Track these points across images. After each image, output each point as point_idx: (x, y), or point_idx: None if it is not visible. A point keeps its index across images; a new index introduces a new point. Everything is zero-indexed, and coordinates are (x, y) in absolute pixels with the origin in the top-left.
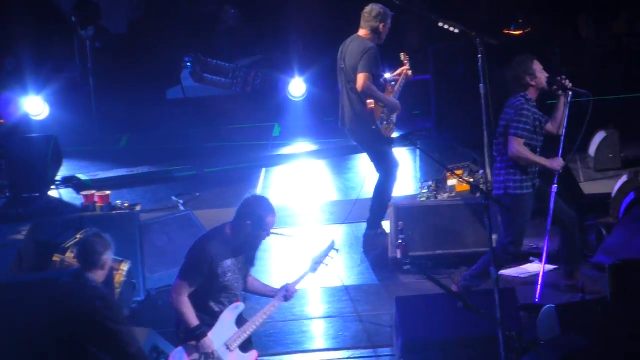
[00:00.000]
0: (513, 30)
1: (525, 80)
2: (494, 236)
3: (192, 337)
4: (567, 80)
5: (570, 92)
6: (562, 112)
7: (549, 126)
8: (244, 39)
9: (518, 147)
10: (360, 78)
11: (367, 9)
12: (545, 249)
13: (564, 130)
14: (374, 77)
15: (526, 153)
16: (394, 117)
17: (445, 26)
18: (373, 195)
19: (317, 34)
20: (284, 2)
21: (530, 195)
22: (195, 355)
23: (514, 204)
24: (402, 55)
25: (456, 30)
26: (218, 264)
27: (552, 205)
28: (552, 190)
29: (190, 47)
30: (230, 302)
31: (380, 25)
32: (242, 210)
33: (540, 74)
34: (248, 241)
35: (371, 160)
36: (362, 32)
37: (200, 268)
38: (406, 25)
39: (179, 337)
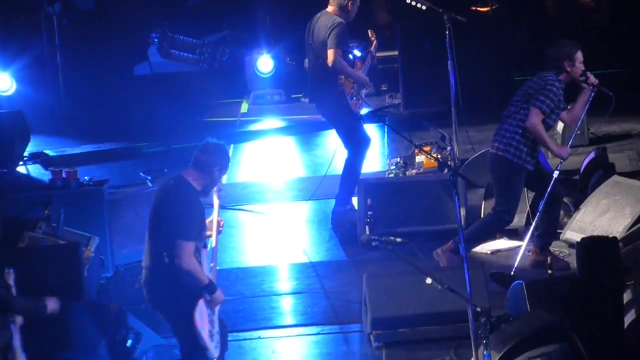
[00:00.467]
0: (480, 7)
1: (563, 64)
2: (462, 212)
3: (208, 292)
4: (594, 77)
5: (595, 89)
6: (581, 106)
7: (564, 115)
8: (212, 14)
9: (537, 120)
10: (331, 54)
11: None
12: (532, 228)
13: (579, 124)
14: (344, 53)
15: (542, 130)
16: (363, 93)
17: (413, 3)
18: (342, 172)
19: (285, 9)
20: None
21: (526, 172)
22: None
23: (510, 171)
24: (370, 32)
25: (424, 7)
26: None
27: (550, 189)
28: (554, 175)
29: (157, 23)
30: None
31: (349, 3)
32: (208, 158)
33: (579, 65)
34: (209, 189)
35: (340, 137)
36: (330, 8)
37: (202, 224)
38: (375, 2)
39: (191, 296)
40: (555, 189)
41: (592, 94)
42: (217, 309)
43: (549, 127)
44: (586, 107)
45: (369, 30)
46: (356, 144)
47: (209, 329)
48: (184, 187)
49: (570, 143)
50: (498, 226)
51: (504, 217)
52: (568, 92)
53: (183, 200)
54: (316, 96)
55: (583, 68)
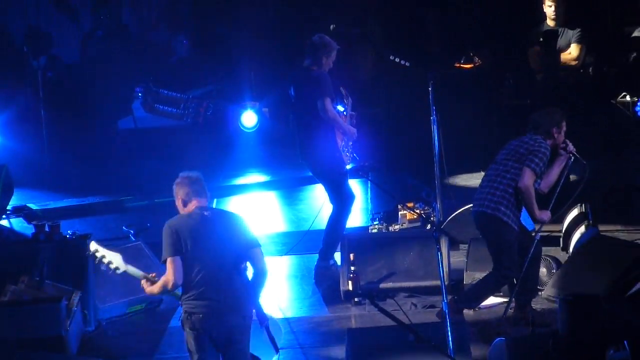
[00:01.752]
0: (463, 64)
1: (552, 130)
2: (445, 268)
3: None
4: (572, 146)
5: (572, 157)
6: (556, 172)
7: (541, 183)
8: (196, 69)
9: (531, 182)
10: (322, 103)
11: (312, 40)
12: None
13: (558, 189)
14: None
15: (533, 192)
16: (350, 144)
17: (397, 60)
18: (326, 227)
19: (269, 64)
20: (235, 34)
21: (516, 232)
22: None
23: (502, 230)
24: (342, 90)
25: (407, 64)
26: None
27: (532, 250)
28: (536, 237)
29: (141, 78)
30: None
31: (324, 58)
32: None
33: (563, 134)
34: None
35: (327, 191)
36: (307, 62)
37: None
38: (358, 57)
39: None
40: (535, 249)
41: (570, 161)
42: None
43: (535, 190)
44: (565, 174)
45: (340, 88)
46: (342, 199)
47: None
48: (222, 210)
49: (550, 207)
50: (502, 283)
51: (507, 273)
52: None
53: (237, 216)
54: (307, 151)
55: (563, 138)
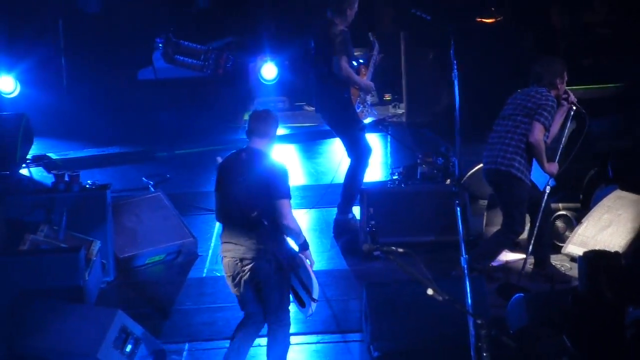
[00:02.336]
0: (485, 18)
1: (555, 81)
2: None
3: (304, 248)
4: (573, 96)
5: (574, 107)
6: (557, 124)
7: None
8: (217, 21)
9: (541, 136)
10: (337, 61)
11: None
12: (532, 239)
13: (564, 140)
14: (349, 60)
15: (543, 146)
16: (368, 99)
17: (418, 13)
18: (344, 181)
19: (289, 17)
20: None
21: (528, 187)
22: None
23: (516, 186)
24: (370, 35)
25: (428, 18)
26: None
27: (543, 204)
28: (546, 190)
29: (162, 28)
30: None
31: (348, 9)
32: (265, 124)
33: (564, 85)
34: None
35: (344, 145)
36: (329, 14)
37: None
38: (379, 11)
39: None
40: (545, 204)
41: (571, 112)
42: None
43: (544, 143)
44: (567, 126)
45: (369, 33)
46: (359, 153)
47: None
48: (263, 155)
49: (557, 159)
50: (511, 239)
51: (515, 229)
52: None
53: (272, 164)
54: (323, 105)
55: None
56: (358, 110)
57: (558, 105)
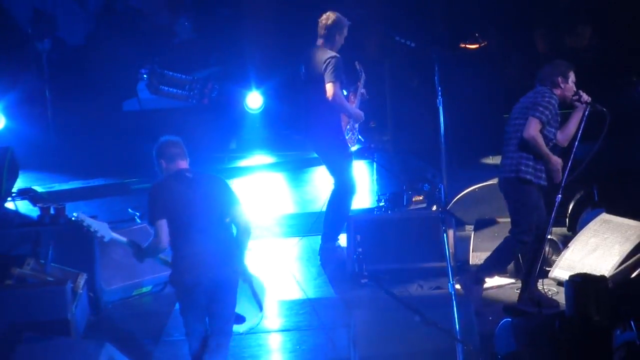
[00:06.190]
0: (469, 44)
1: (557, 79)
2: (451, 249)
3: None
4: (587, 95)
5: (589, 106)
6: (574, 123)
7: (557, 134)
8: (201, 51)
9: (536, 130)
10: (330, 88)
11: (323, 17)
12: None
13: (576, 143)
14: (340, 86)
15: (540, 140)
16: (357, 127)
17: (402, 40)
18: (327, 208)
19: (273, 45)
20: (239, 14)
21: (540, 189)
22: None
23: (521, 191)
24: (357, 64)
25: (412, 45)
26: None
27: (554, 214)
28: (557, 199)
29: (146, 59)
30: None
31: (337, 35)
32: (184, 147)
33: (572, 84)
34: None
35: (330, 172)
36: (320, 41)
37: None
38: (364, 39)
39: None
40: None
41: (586, 111)
42: None
43: (549, 140)
44: (582, 126)
45: (355, 62)
46: (345, 181)
47: None
48: (200, 170)
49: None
50: (518, 247)
51: (522, 238)
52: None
53: (215, 176)
54: (312, 131)
55: (575, 88)
56: (347, 137)
57: (567, 105)
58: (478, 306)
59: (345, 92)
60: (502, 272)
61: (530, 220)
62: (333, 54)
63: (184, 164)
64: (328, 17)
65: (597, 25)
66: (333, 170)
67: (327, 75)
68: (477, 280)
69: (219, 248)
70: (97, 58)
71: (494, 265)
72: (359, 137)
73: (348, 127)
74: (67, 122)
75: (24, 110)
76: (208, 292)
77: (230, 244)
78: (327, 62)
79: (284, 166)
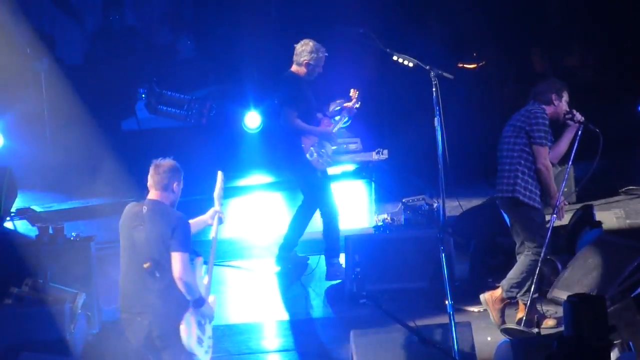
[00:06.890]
0: (467, 64)
1: (551, 96)
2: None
3: (199, 305)
4: (580, 115)
5: (582, 126)
6: (565, 142)
7: (550, 153)
8: (200, 70)
9: (546, 160)
10: (284, 113)
11: (298, 44)
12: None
13: (570, 163)
14: (307, 108)
15: (551, 170)
16: (328, 149)
17: (400, 60)
18: (323, 229)
19: (272, 65)
20: (238, 34)
21: (540, 211)
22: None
23: (525, 210)
24: (352, 91)
25: (410, 65)
26: None
27: (549, 234)
28: (552, 220)
29: (145, 79)
30: None
31: (305, 61)
32: (171, 175)
33: (565, 103)
34: (176, 204)
35: (303, 195)
36: (293, 67)
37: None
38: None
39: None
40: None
41: (579, 131)
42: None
43: None
44: (575, 146)
45: (351, 90)
46: (321, 200)
47: (197, 334)
48: (162, 206)
49: (565, 179)
50: (536, 263)
51: (539, 251)
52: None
53: (179, 216)
54: (278, 155)
55: (567, 108)
56: (311, 159)
57: (561, 124)
58: (500, 324)
59: (320, 115)
60: (534, 291)
61: (543, 234)
62: (289, 73)
63: (154, 194)
64: (301, 45)
65: (593, 44)
66: (301, 189)
67: (281, 99)
68: (501, 300)
69: (146, 300)
70: (95, 77)
71: (518, 284)
72: (330, 159)
73: (312, 148)
74: (66, 141)
75: (23, 129)
76: (146, 345)
77: (162, 293)
78: (282, 84)
79: (282, 186)
